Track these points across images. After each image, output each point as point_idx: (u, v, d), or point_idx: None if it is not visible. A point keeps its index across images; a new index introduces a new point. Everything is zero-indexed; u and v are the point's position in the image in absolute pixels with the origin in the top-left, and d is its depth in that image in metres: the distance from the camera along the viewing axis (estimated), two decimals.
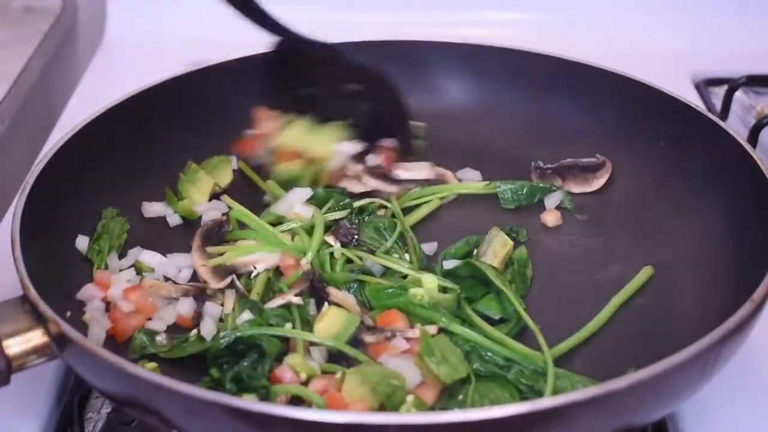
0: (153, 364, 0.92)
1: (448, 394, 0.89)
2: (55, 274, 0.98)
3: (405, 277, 1.01)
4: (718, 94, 1.48)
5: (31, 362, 0.83)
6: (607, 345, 0.97)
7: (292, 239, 1.06)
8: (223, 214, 1.13)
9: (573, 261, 1.10)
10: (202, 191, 1.17)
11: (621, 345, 0.97)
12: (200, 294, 1.01)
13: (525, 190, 1.19)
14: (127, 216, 1.11)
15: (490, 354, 0.92)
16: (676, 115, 1.17)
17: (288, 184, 1.15)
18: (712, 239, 1.06)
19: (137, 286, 1.00)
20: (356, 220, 1.10)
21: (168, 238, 1.11)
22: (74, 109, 1.44)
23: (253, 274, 1.02)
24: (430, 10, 1.70)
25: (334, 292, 0.98)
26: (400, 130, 1.26)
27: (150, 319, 0.98)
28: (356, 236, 1.06)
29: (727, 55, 1.58)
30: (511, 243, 1.08)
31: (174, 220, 1.14)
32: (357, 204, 1.12)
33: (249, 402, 0.73)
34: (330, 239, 1.05)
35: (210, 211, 1.14)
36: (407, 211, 1.15)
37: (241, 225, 1.09)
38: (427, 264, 1.06)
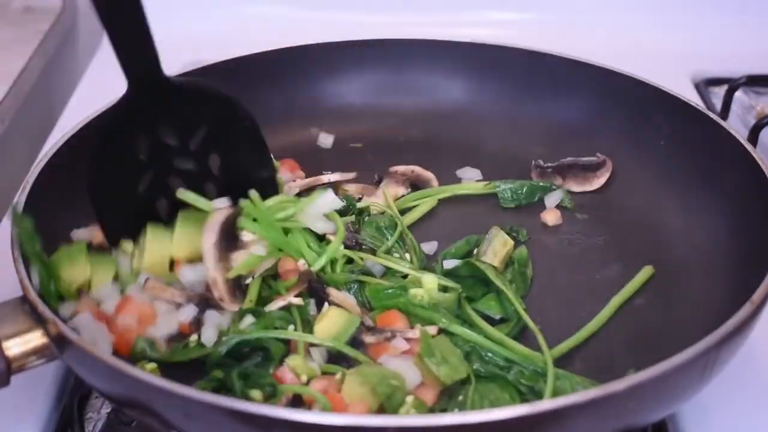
0: (152, 365, 0.91)
1: (448, 395, 0.89)
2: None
3: (405, 277, 1.01)
4: (718, 94, 1.48)
5: (31, 363, 0.83)
6: (607, 345, 0.97)
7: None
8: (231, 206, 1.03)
9: (573, 260, 1.10)
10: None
11: (621, 345, 0.97)
12: (202, 300, 0.97)
13: (525, 190, 1.19)
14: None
15: (490, 354, 0.92)
16: (677, 114, 1.17)
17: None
18: (712, 239, 1.06)
19: (129, 298, 0.96)
20: (357, 222, 1.10)
21: None
22: (74, 109, 1.44)
23: (247, 280, 0.99)
24: (430, 10, 1.70)
25: (334, 293, 0.98)
26: (264, 174, 1.07)
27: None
28: (358, 239, 1.05)
29: (727, 55, 1.58)
30: (511, 242, 1.08)
31: None
32: (358, 206, 1.12)
33: (247, 404, 0.73)
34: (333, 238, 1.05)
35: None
36: (406, 212, 1.15)
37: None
38: (428, 264, 1.06)
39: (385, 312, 0.97)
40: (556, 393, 0.87)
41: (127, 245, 1.01)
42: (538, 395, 0.88)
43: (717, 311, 0.92)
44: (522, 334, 0.97)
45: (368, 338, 0.94)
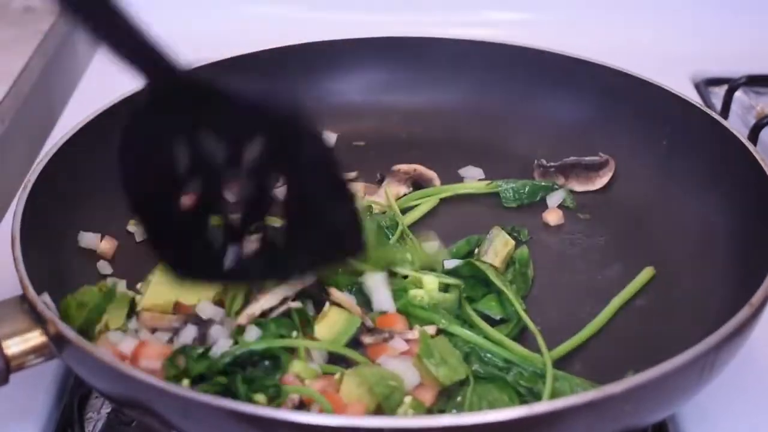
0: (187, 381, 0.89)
1: (446, 396, 0.89)
2: (55, 274, 0.97)
3: (406, 277, 1.01)
4: (718, 94, 1.48)
5: (30, 362, 0.83)
6: (606, 347, 0.97)
7: None
8: None
9: (574, 260, 1.10)
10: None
11: (620, 347, 0.97)
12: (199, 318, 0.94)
13: (527, 189, 1.19)
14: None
15: (489, 355, 0.92)
16: (679, 114, 1.16)
17: None
18: (714, 239, 1.06)
19: (145, 343, 0.91)
20: None
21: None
22: (74, 109, 1.44)
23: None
24: (430, 9, 1.69)
25: (334, 293, 0.97)
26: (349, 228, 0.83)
27: None
28: None
29: (727, 55, 1.57)
30: (512, 242, 1.08)
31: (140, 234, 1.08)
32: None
33: (245, 405, 0.73)
34: None
35: None
36: (408, 212, 1.15)
37: None
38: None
39: (385, 313, 0.96)
40: (554, 395, 0.87)
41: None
42: (537, 397, 0.88)
43: (717, 311, 0.92)
44: (522, 335, 0.97)
45: (367, 339, 0.93)
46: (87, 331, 0.92)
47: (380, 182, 1.21)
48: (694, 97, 1.39)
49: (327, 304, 0.97)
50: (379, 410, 0.85)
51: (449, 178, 1.23)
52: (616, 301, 1.01)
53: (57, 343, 0.82)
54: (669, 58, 1.54)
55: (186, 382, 0.87)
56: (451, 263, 1.03)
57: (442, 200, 1.19)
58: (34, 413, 0.94)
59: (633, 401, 0.76)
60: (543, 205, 1.18)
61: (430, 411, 0.87)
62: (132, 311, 0.97)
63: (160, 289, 0.97)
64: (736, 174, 1.06)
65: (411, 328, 0.95)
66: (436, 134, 1.29)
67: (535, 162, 1.23)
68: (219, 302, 0.97)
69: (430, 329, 0.94)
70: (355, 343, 0.94)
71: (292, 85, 1.30)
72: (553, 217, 1.16)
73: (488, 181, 1.21)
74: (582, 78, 1.26)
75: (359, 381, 0.86)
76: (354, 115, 1.32)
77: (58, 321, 0.81)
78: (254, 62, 1.27)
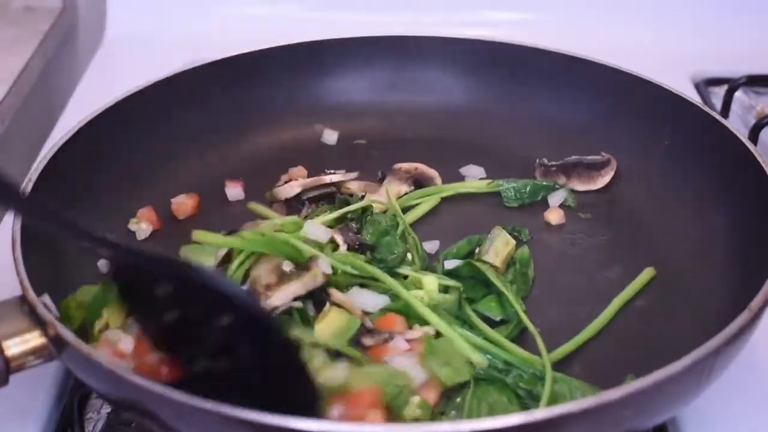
0: None
1: (447, 396, 0.88)
2: (55, 274, 0.97)
3: (406, 277, 1.01)
4: (718, 94, 1.48)
5: (30, 363, 0.83)
6: (606, 348, 0.97)
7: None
8: None
9: (575, 261, 1.10)
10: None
11: (620, 348, 0.96)
12: None
13: (528, 189, 1.18)
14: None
15: (489, 357, 0.92)
16: (680, 113, 1.16)
17: None
18: (715, 240, 1.06)
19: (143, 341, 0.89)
20: (359, 221, 1.09)
21: None
22: (74, 109, 1.44)
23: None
24: (430, 9, 1.69)
25: (335, 294, 0.97)
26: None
27: None
28: (360, 241, 1.05)
29: (727, 55, 1.57)
30: (513, 242, 1.08)
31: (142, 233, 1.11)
32: (360, 205, 1.11)
33: (241, 410, 0.72)
34: (338, 238, 1.04)
35: None
36: (408, 211, 1.15)
37: None
38: (429, 263, 1.06)
39: (384, 314, 0.96)
40: (553, 398, 0.87)
41: None
42: (536, 399, 0.88)
43: (717, 311, 0.92)
44: (522, 336, 0.96)
45: (368, 341, 0.93)
46: (87, 330, 0.92)
47: (381, 181, 1.21)
48: (694, 97, 1.39)
49: (327, 304, 0.97)
50: (386, 409, 0.84)
51: (450, 177, 1.22)
52: (616, 303, 1.01)
53: (56, 344, 0.82)
54: (669, 58, 1.54)
55: None
56: (451, 263, 1.02)
57: (443, 199, 1.19)
58: (34, 413, 0.94)
59: (632, 406, 0.75)
60: (544, 205, 1.18)
61: (431, 412, 0.86)
62: None
63: None
64: (736, 174, 1.06)
65: (410, 328, 0.95)
66: (437, 133, 1.29)
67: (537, 161, 1.23)
68: None
69: (431, 329, 0.94)
70: (355, 344, 0.93)
71: (295, 84, 1.30)
72: (554, 216, 1.16)
73: (489, 180, 1.21)
74: (583, 77, 1.26)
75: (367, 380, 0.85)
76: (355, 114, 1.32)
77: (57, 323, 0.81)
78: (255, 61, 1.27)
